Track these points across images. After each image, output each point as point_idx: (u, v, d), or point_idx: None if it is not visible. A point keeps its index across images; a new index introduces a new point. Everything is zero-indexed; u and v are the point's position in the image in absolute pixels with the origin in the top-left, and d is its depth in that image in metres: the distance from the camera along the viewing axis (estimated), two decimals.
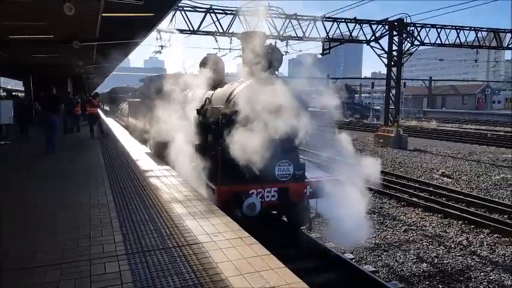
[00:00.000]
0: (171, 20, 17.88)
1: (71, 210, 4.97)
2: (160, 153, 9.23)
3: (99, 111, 17.64)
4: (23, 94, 23.53)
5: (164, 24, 17.93)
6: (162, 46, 19.25)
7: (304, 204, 6.29)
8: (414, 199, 10.35)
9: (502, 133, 27.17)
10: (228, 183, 5.80)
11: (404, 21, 21.72)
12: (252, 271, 3.25)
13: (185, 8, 17.80)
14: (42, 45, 11.23)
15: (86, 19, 8.02)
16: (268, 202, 5.95)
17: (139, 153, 10.11)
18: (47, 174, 7.67)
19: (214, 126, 6.33)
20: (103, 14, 7.80)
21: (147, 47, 35.57)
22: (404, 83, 39.46)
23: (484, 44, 25.63)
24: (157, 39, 18.97)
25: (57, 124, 10.80)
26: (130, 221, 4.52)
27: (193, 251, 3.67)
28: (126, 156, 9.69)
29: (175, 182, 6.67)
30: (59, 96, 12.33)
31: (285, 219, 6.96)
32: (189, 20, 18.30)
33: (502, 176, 13.42)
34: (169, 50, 19.51)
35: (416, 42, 22.58)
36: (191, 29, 18.56)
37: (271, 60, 6.22)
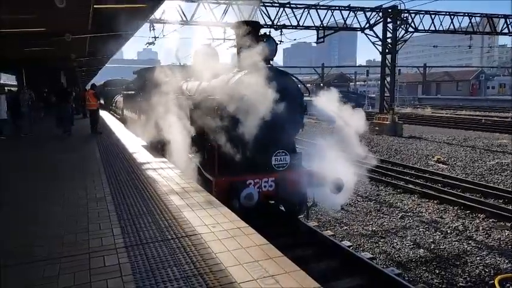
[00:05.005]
0: (164, 11, 17.74)
1: (68, 204, 4.96)
2: (157, 145, 9.22)
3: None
4: (16, 88, 23.23)
5: (157, 15, 17.78)
6: (155, 37, 19.10)
7: (302, 193, 6.31)
8: (410, 186, 10.43)
9: (496, 118, 27.32)
10: (226, 174, 5.80)
11: (398, 7, 21.64)
12: (251, 261, 3.27)
13: None
14: (34, 38, 11.08)
15: (78, 11, 7.90)
16: (266, 192, 5.97)
17: (135, 146, 10.07)
18: (44, 169, 7.63)
19: (210, 117, 6.30)
20: (95, 6, 7.70)
21: (140, 38, 35.19)
22: (399, 70, 39.48)
23: (477, 30, 25.63)
24: (150, 30, 18.83)
25: (69, 111, 13.79)
26: (129, 214, 4.51)
27: (192, 242, 3.68)
28: (122, 149, 9.65)
29: (173, 174, 6.66)
30: (70, 89, 15.97)
31: (282, 208, 6.99)
32: (182, 10, 18.14)
33: (496, 161, 13.53)
34: (163, 41, 19.38)
35: (410, 29, 22.54)
36: (184, 19, 18.40)
37: (266, 49, 6.18)
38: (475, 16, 24.42)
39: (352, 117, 6.33)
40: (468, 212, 8.44)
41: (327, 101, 6.36)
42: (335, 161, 6.05)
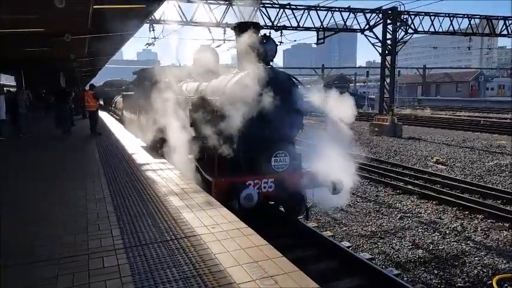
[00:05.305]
0: (163, 11, 17.77)
1: (67, 205, 4.96)
2: (156, 146, 9.23)
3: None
4: (15, 89, 23.23)
5: (157, 15, 17.79)
6: (155, 38, 19.12)
7: (301, 194, 6.32)
8: (409, 187, 10.44)
9: (495, 120, 27.35)
10: (225, 175, 5.81)
11: (398, 9, 21.68)
12: (250, 261, 3.28)
13: None
14: (34, 39, 11.07)
15: (77, 12, 7.90)
16: (265, 193, 5.97)
17: (134, 147, 10.07)
18: (44, 169, 7.63)
19: (209, 118, 6.32)
20: (94, 6, 7.70)
21: (140, 39, 35.33)
22: (399, 71, 39.52)
23: (477, 31, 25.66)
24: (150, 31, 18.85)
25: (68, 112, 14.06)
26: (128, 215, 4.52)
27: (191, 243, 3.68)
28: (122, 150, 9.65)
29: (172, 175, 6.66)
30: (69, 90, 16.38)
31: (282, 209, 7.00)
32: (181, 11, 18.16)
33: (495, 162, 13.55)
34: (162, 41, 19.42)
35: (410, 31, 22.58)
36: (184, 20, 18.42)
37: (266, 50, 6.19)
38: (474, 18, 24.47)
39: (340, 107, 6.16)
40: (467, 212, 8.45)
41: (314, 95, 6.30)
42: (330, 161, 6.04)
